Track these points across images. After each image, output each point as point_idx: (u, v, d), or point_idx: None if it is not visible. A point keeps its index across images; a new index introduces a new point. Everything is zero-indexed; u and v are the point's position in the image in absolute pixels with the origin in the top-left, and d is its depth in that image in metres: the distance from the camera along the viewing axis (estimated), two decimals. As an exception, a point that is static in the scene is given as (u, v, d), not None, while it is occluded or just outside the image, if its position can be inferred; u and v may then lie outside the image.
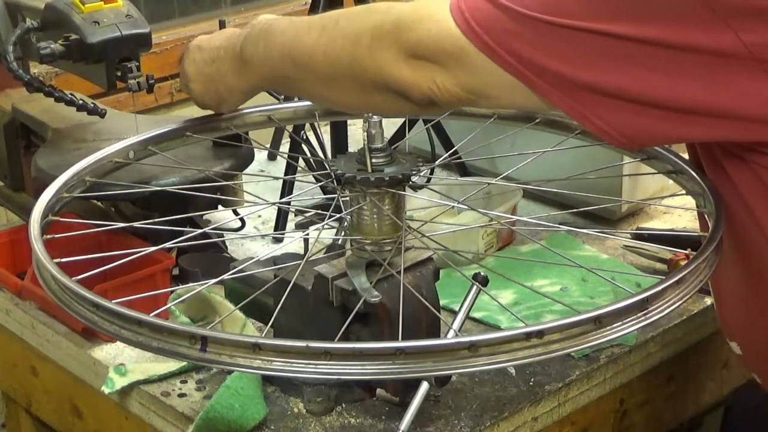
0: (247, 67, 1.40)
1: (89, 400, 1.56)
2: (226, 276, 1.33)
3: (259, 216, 1.82)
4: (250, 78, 1.41)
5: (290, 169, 1.79)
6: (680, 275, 1.14)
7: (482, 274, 1.33)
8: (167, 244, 1.34)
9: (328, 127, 1.91)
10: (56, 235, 1.28)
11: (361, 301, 1.21)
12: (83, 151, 1.55)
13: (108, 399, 1.44)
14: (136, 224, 1.44)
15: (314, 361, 1.04)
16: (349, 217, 1.28)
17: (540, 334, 1.05)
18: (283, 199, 1.74)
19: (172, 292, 1.44)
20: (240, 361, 1.05)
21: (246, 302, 1.32)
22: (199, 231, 1.37)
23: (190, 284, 1.45)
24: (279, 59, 1.34)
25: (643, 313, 1.11)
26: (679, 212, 1.80)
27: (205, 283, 1.27)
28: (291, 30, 1.33)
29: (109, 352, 1.48)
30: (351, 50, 1.25)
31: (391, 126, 1.59)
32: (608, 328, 1.09)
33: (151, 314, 1.09)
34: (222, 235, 1.69)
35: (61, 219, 1.32)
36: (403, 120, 1.83)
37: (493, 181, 1.55)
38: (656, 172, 1.41)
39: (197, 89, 1.48)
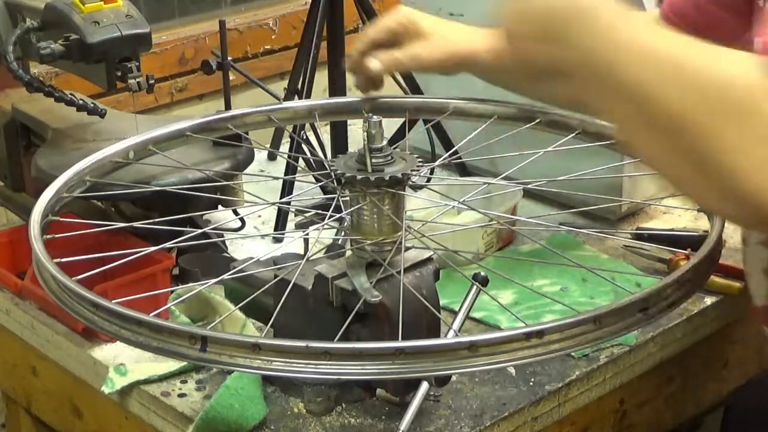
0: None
1: (89, 400, 1.56)
2: (226, 276, 1.33)
3: (259, 216, 1.82)
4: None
5: (290, 169, 1.79)
6: (680, 275, 1.14)
7: (482, 274, 1.33)
8: (167, 244, 1.34)
9: (328, 127, 1.90)
10: (56, 235, 1.27)
11: (361, 301, 1.21)
12: (83, 151, 1.54)
13: (108, 399, 1.44)
14: (136, 224, 1.44)
15: (314, 361, 1.03)
16: (349, 217, 1.28)
17: (540, 334, 1.05)
18: (283, 199, 1.74)
19: (172, 292, 1.44)
20: (240, 361, 1.05)
21: (246, 302, 1.32)
22: (199, 231, 1.37)
23: (190, 284, 1.45)
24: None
25: (643, 313, 1.11)
26: (679, 212, 1.80)
27: (205, 283, 1.27)
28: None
29: (109, 352, 1.48)
30: None
31: (391, 126, 1.59)
32: (608, 328, 1.09)
33: (151, 314, 1.09)
34: (222, 235, 1.69)
35: (61, 219, 1.32)
36: (403, 120, 1.83)
37: (493, 181, 1.55)
38: (656, 172, 1.41)
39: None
